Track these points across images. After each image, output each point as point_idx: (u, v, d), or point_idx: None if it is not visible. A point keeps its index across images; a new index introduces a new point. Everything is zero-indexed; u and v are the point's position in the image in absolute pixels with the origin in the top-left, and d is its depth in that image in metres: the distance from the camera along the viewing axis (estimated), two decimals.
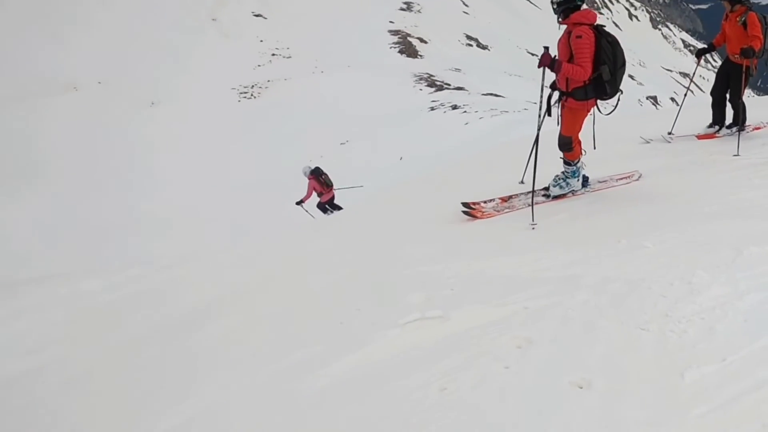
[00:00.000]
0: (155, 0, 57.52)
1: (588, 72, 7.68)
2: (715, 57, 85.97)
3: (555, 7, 7.93)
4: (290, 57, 51.58)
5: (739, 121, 11.54)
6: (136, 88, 45.27)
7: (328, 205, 21.20)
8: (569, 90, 8.01)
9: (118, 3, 55.91)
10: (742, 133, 11.37)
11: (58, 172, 32.87)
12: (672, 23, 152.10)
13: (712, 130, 11.98)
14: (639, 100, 57.25)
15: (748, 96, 12.49)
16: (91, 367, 6.43)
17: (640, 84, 71.32)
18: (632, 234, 6.48)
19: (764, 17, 11.04)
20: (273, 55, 52.99)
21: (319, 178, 21.05)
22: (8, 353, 7.30)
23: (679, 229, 6.51)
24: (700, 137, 11.89)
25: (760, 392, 3.57)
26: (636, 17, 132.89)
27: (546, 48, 7.72)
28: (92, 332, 7.66)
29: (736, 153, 10.13)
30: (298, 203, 21.22)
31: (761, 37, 10.80)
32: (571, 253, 6.18)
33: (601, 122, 8.70)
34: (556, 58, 7.85)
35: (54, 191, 30.65)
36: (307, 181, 21.25)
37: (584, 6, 7.95)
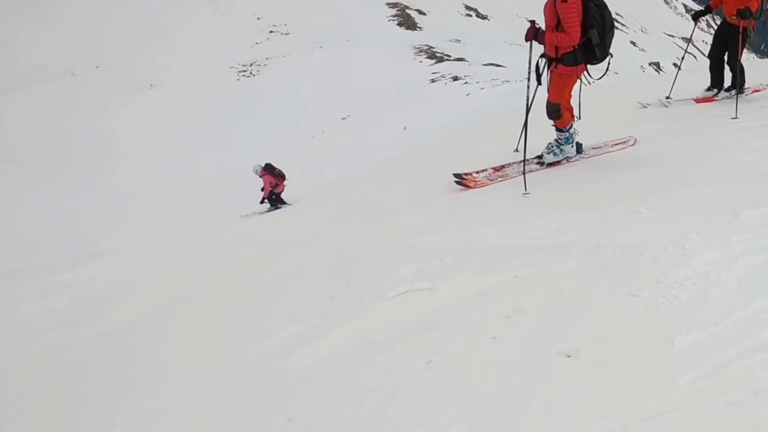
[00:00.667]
0: None
1: (576, 37, 7.61)
2: (716, 19, 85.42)
3: None
4: (288, 33, 51.42)
5: (738, 83, 11.39)
6: (134, 71, 45.18)
7: (278, 200, 21.42)
8: (558, 56, 7.90)
9: None
10: (741, 95, 11.25)
11: (35, 160, 32.95)
12: None
13: (710, 93, 11.89)
14: (641, 66, 56.89)
15: (749, 58, 12.37)
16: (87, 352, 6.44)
17: (643, 50, 70.88)
18: (626, 200, 6.40)
19: None
20: (271, 32, 52.81)
21: (273, 172, 21.40)
22: None
23: (674, 193, 6.43)
24: (698, 101, 11.81)
25: (752, 358, 3.48)
26: None
27: (532, 21, 7.82)
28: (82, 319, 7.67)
29: (734, 116, 9.99)
30: (261, 202, 21.64)
31: None
32: (563, 221, 6.12)
33: (599, 89, 8.63)
34: (540, 29, 7.85)
35: (22, 180, 30.72)
36: (260, 179, 21.77)
37: None
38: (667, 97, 12.23)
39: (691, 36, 13.25)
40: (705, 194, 6.23)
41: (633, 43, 73.39)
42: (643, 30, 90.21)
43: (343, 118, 34.35)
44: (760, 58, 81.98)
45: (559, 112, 8.37)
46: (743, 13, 10.69)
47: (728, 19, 11.29)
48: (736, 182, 6.54)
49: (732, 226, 5.29)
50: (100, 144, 35.51)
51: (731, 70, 11.57)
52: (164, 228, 21.17)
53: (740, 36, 11.05)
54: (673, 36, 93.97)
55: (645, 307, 4.16)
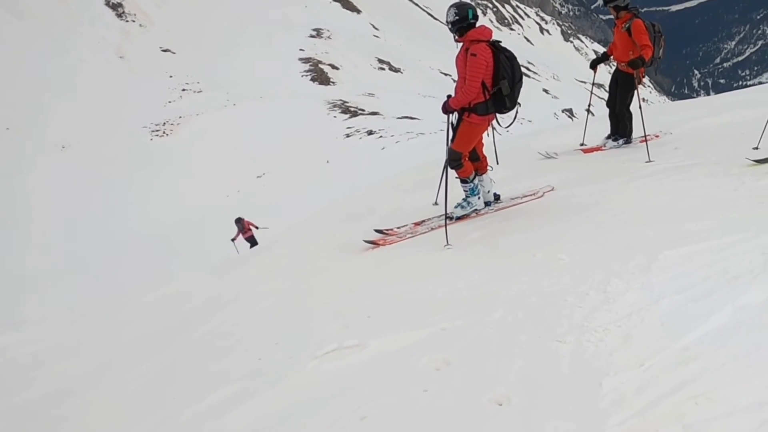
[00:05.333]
0: (60, 40, 56.70)
1: (475, 90, 7.99)
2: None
3: (450, 26, 8.10)
4: (201, 91, 51.41)
5: (626, 131, 11.69)
6: (45, 132, 44.58)
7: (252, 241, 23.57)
8: (471, 106, 8.14)
9: (17, 43, 55.01)
10: (628, 145, 11.57)
11: None
12: (583, 35, 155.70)
13: (606, 141, 12.30)
14: (555, 113, 58.43)
15: (660, 102, 12.79)
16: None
17: (555, 98, 72.84)
18: (547, 247, 6.62)
19: (652, 24, 11.24)
20: (183, 90, 52.75)
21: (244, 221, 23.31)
22: None
23: (593, 238, 6.67)
24: (585, 151, 12.16)
25: (679, 394, 3.68)
26: (547, 31, 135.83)
27: (448, 96, 8.23)
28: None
29: (648, 159, 10.33)
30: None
31: (651, 44, 11.05)
32: (486, 271, 6.29)
33: (515, 137, 8.86)
34: (449, 98, 8.25)
35: None
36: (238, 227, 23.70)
37: (479, 23, 8.13)
38: (582, 144, 12.51)
39: (593, 83, 13.49)
40: (624, 238, 6.48)
41: (546, 90, 75.36)
42: (555, 77, 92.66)
43: (258, 176, 34.33)
44: (672, 100, 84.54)
45: (460, 161, 8.57)
46: (635, 63, 11.07)
47: (619, 66, 11.71)
48: (653, 224, 6.82)
49: (651, 267, 5.51)
50: (10, 208, 34.75)
51: (618, 117, 11.95)
52: (83, 294, 20.79)
53: (631, 83, 11.51)
54: (584, 82, 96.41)
55: (572, 352, 4.31)
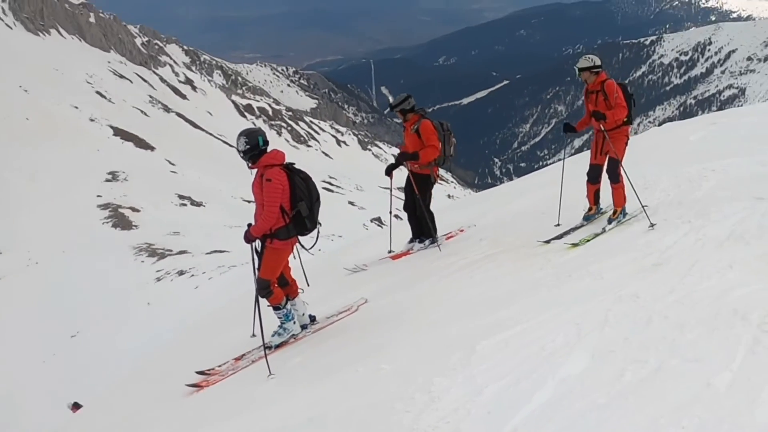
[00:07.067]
0: None
1: (274, 215, 8.16)
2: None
3: (242, 155, 8.23)
4: (1, 253, 49.32)
5: (431, 231, 12.12)
6: None
7: None
8: (272, 231, 8.23)
9: None
10: (435, 244, 11.87)
11: None
12: (380, 141, 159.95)
13: (411, 245, 12.50)
14: (364, 224, 59.33)
15: (465, 195, 13.25)
16: None
17: (362, 208, 73.99)
18: (368, 360, 6.85)
19: (441, 123, 11.58)
20: None
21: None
22: None
23: (412, 342, 6.92)
24: (394, 258, 12.41)
25: None
26: (344, 142, 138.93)
27: (249, 225, 8.41)
28: None
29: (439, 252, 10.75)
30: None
31: (437, 144, 11.39)
32: (311, 395, 6.45)
33: (324, 255, 9.00)
34: (250, 227, 8.41)
35: None
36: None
37: (270, 147, 8.29)
38: (390, 251, 12.67)
39: (390, 189, 13.57)
40: (441, 336, 6.76)
41: (351, 203, 76.51)
42: (359, 188, 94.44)
43: (72, 336, 33.09)
44: (476, 191, 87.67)
45: (269, 288, 8.67)
46: (412, 156, 11.37)
47: (411, 168, 11.85)
48: (468, 317, 7.17)
49: (471, 360, 5.78)
50: None
51: (419, 219, 12.16)
52: None
53: (425, 184, 11.79)
54: (388, 188, 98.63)
55: None
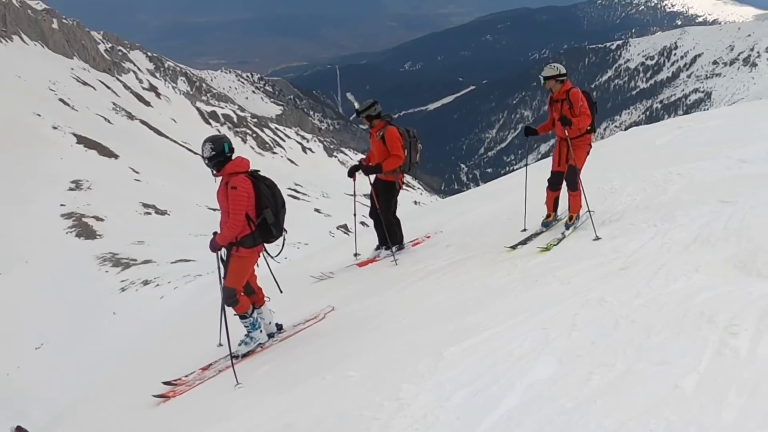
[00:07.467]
0: None
1: (240, 223, 8.14)
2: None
3: (207, 162, 8.21)
4: None
5: (397, 238, 12.12)
6: None
7: None
8: (238, 239, 8.21)
9: None
10: (402, 250, 11.88)
11: None
12: (346, 147, 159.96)
13: (377, 252, 12.50)
14: (330, 231, 59.21)
15: (431, 201, 13.25)
16: None
17: (329, 215, 73.83)
18: (336, 367, 6.84)
19: (407, 130, 11.59)
20: None
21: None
22: None
23: (380, 349, 6.93)
24: (360, 265, 12.37)
25: None
26: (310, 149, 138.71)
27: (214, 233, 8.48)
28: None
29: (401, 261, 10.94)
30: None
31: (401, 153, 11.36)
32: (280, 403, 6.43)
33: (291, 263, 8.96)
34: (216, 235, 8.44)
35: None
36: None
37: (236, 154, 8.28)
38: (355, 254, 12.66)
39: (354, 193, 13.36)
40: (409, 343, 6.76)
41: (317, 210, 76.36)
42: (325, 195, 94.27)
43: (36, 348, 32.76)
44: (443, 197, 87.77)
45: (235, 297, 8.64)
46: (376, 169, 11.44)
47: (379, 175, 11.80)
48: (436, 324, 7.19)
49: (439, 366, 5.79)
50: None
51: (386, 226, 12.02)
52: None
53: (390, 191, 11.77)
54: (354, 195, 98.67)
55: None
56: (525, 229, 11.49)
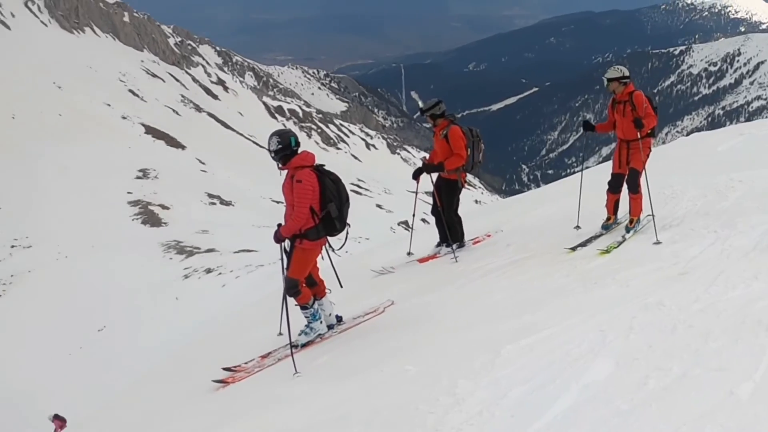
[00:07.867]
0: None
1: (304, 216, 8.19)
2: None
3: (273, 155, 8.28)
4: (30, 246, 49.57)
5: (458, 236, 12.10)
6: None
7: None
8: (302, 231, 8.28)
9: None
10: (463, 248, 11.85)
11: None
12: (409, 145, 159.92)
13: (438, 249, 12.49)
14: (391, 227, 59.29)
15: (492, 201, 13.22)
16: None
17: (390, 212, 73.96)
18: (393, 361, 6.89)
19: (470, 129, 11.58)
20: (12, 247, 50.79)
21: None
22: None
23: (437, 345, 6.96)
24: (421, 261, 12.42)
25: None
26: (373, 146, 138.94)
27: (279, 225, 8.48)
28: None
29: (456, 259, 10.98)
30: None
31: (464, 153, 11.40)
32: (338, 394, 6.48)
33: (353, 257, 8.99)
34: (280, 227, 8.47)
35: None
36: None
37: (302, 148, 8.33)
38: (409, 253, 12.68)
39: (416, 193, 13.08)
40: (467, 339, 6.77)
41: (379, 206, 76.47)
42: (387, 191, 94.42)
43: (99, 330, 33.30)
44: (504, 197, 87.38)
45: (297, 288, 8.72)
46: (436, 167, 11.57)
47: (441, 174, 11.92)
48: (494, 321, 7.18)
49: (496, 363, 5.80)
50: None
51: (447, 223, 12.10)
52: None
53: (453, 189, 11.86)
54: (416, 192, 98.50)
55: None
56: (578, 227, 11.43)
